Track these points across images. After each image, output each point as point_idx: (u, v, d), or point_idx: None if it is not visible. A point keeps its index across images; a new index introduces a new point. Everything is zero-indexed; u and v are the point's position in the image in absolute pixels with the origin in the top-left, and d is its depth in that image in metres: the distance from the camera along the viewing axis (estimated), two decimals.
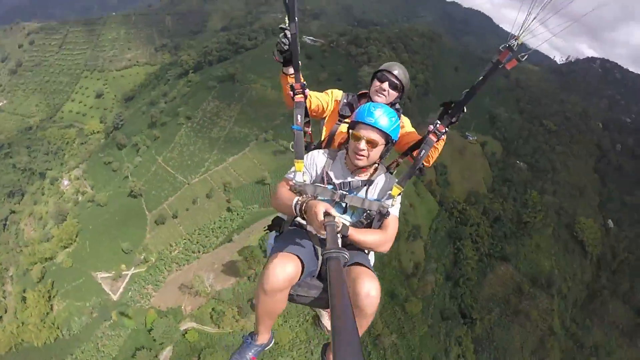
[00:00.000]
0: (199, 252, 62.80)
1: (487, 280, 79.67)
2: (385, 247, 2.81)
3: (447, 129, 2.99)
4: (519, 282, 79.62)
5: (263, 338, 2.90)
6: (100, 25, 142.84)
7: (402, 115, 3.53)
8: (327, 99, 3.48)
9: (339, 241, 2.31)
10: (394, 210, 2.89)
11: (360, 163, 2.76)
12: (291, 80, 3.06)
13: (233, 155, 78.81)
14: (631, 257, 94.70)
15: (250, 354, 2.87)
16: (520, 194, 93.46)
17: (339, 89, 3.64)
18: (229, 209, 68.25)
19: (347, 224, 2.80)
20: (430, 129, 2.97)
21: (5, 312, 65.78)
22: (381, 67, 3.42)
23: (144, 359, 50.25)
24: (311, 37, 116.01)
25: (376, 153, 2.75)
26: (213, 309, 54.10)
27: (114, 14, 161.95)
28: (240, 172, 74.94)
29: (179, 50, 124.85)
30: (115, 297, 60.24)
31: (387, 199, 2.84)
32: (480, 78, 2.67)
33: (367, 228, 2.86)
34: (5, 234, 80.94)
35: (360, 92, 3.56)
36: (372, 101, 3.33)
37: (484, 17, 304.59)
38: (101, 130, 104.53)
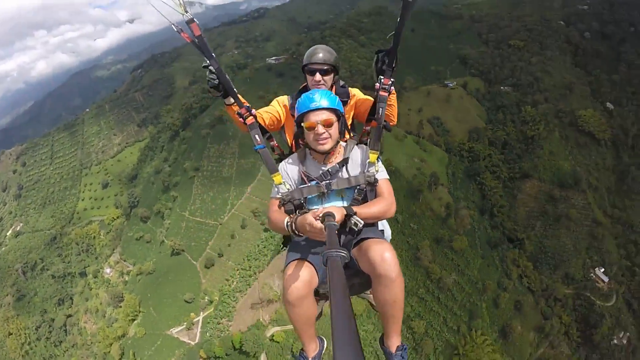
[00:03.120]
0: (255, 274, 66.73)
1: (519, 201, 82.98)
2: (392, 211, 2.84)
3: (392, 79, 3.02)
4: (548, 191, 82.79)
5: (312, 348, 2.89)
6: (79, 124, 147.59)
7: (349, 88, 3.61)
8: (276, 109, 3.53)
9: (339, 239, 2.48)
10: (381, 175, 2.94)
11: (327, 146, 2.82)
12: (235, 109, 3.12)
13: (250, 184, 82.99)
14: None
15: None
16: (516, 114, 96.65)
17: (283, 94, 3.74)
18: (266, 229, 72.04)
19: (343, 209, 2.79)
20: (378, 87, 3.04)
21: None
22: (305, 61, 3.39)
23: None
24: (273, 58, 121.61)
25: (335, 131, 2.82)
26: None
27: (87, 110, 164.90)
28: (262, 195, 78.96)
29: (160, 117, 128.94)
30: (195, 343, 63.33)
31: (369, 167, 2.90)
32: (398, 19, 2.74)
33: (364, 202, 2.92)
34: (70, 337, 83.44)
35: (300, 88, 3.58)
36: None
37: None
38: (120, 214, 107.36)
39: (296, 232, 2.59)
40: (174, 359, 62.89)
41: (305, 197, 2.91)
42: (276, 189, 2.97)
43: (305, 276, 2.56)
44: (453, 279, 64.18)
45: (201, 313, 67.29)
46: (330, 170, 2.91)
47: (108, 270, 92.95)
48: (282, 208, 2.90)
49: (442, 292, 63.37)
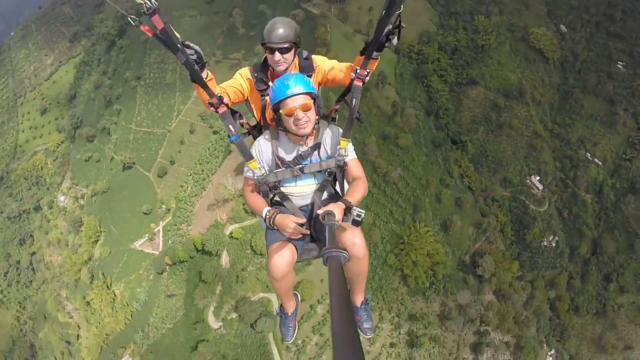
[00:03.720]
0: (208, 176, 67.62)
1: (464, 106, 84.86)
2: (367, 189, 3.18)
3: (368, 70, 3.04)
4: (493, 99, 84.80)
5: (291, 305, 3.52)
6: (5, 51, 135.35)
7: (313, 57, 3.51)
8: (240, 82, 3.47)
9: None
10: (350, 156, 3.21)
11: (307, 129, 2.96)
12: (206, 98, 3.03)
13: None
14: (591, 54, 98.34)
15: (290, 323, 3.53)
16: (469, 22, 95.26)
17: (244, 67, 3.58)
18: (215, 132, 71.75)
19: (315, 187, 3.22)
20: (353, 77, 3.08)
21: (79, 328, 70.29)
22: (264, 39, 3.19)
23: (210, 269, 57.16)
24: None
25: (313, 113, 2.97)
26: (244, 204, 60.00)
27: (12, 34, 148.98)
28: None
29: (93, 28, 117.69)
30: (159, 252, 65.53)
31: (340, 152, 3.13)
32: (383, 13, 2.59)
33: (333, 182, 3.30)
34: (39, 274, 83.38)
35: (263, 61, 3.49)
36: (275, 71, 3.34)
37: None
38: (64, 138, 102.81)
39: (273, 226, 2.87)
40: (141, 271, 65.17)
41: (279, 181, 3.18)
42: (251, 172, 3.16)
43: (288, 257, 2.87)
44: (398, 173, 67.68)
45: (160, 222, 68.48)
46: (302, 154, 3.12)
47: (62, 198, 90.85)
48: (257, 189, 3.19)
49: (388, 185, 67.15)
